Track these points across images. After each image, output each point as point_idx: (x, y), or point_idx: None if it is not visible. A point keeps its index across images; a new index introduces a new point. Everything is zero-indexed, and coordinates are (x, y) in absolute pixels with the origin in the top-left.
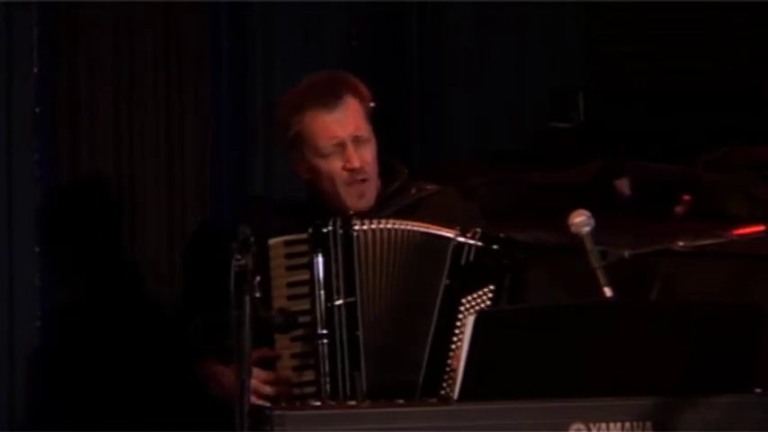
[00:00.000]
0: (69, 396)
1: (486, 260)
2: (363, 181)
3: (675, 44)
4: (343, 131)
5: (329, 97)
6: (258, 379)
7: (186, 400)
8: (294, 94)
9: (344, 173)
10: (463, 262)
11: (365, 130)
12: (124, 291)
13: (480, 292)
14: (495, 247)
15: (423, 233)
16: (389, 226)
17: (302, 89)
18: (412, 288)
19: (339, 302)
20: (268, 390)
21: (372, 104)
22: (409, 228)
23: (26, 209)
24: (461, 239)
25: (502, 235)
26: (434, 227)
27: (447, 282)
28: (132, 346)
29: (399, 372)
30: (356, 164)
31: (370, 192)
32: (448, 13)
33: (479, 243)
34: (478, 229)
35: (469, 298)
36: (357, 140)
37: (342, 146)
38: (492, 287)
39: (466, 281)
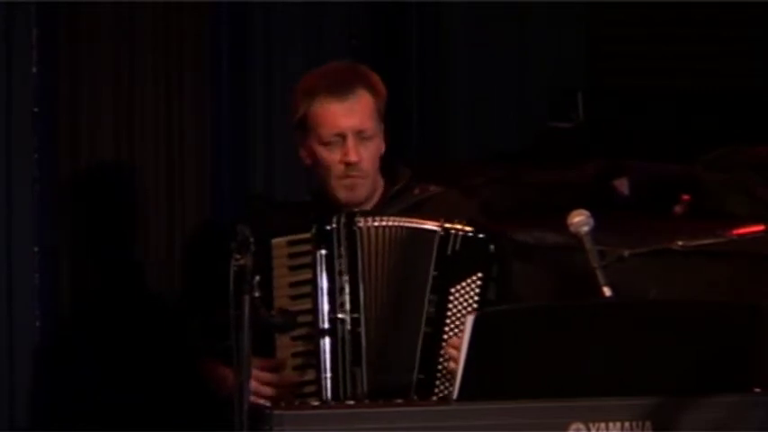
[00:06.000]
0: (69, 396)
1: (472, 249)
2: (357, 176)
3: (675, 44)
4: (347, 124)
5: (342, 87)
6: (258, 380)
7: (186, 400)
8: (309, 77)
9: (340, 165)
10: (449, 252)
11: (371, 126)
12: (124, 290)
13: (469, 281)
14: (481, 236)
15: (409, 228)
16: (393, 223)
17: (319, 73)
18: (403, 284)
19: (342, 299)
20: (268, 391)
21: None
22: (399, 224)
23: (25, 208)
24: (446, 230)
25: (486, 225)
26: (419, 221)
27: (434, 273)
28: (132, 346)
29: (395, 370)
30: (353, 158)
31: (363, 187)
32: (448, 12)
33: (465, 232)
34: (464, 220)
35: (458, 287)
36: (360, 135)
37: (343, 137)
38: (480, 275)
39: (453, 271)
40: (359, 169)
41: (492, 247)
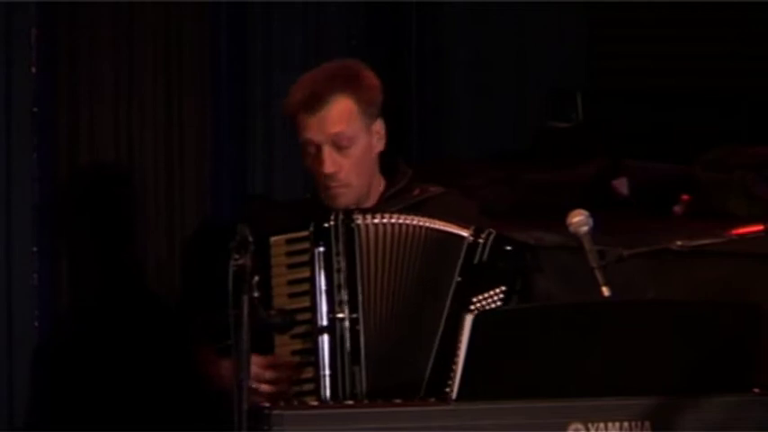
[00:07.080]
0: (69, 396)
1: (499, 261)
2: (337, 187)
3: (676, 44)
4: (320, 135)
5: (313, 99)
6: (257, 375)
7: (186, 400)
8: (292, 90)
9: (321, 176)
10: (476, 261)
11: (349, 132)
12: (123, 290)
13: (491, 293)
14: (508, 248)
15: (436, 230)
16: (393, 220)
17: (298, 85)
18: (420, 284)
19: (340, 297)
20: (266, 386)
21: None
22: (420, 224)
23: (24, 208)
24: (476, 238)
25: (516, 238)
26: (449, 224)
27: (458, 279)
28: (132, 346)
29: (403, 370)
30: (328, 169)
31: (346, 196)
32: (448, 13)
33: (494, 243)
34: (492, 230)
35: (480, 297)
36: (336, 144)
37: (319, 149)
38: (503, 288)
39: (477, 280)
40: (337, 180)
41: (518, 261)
